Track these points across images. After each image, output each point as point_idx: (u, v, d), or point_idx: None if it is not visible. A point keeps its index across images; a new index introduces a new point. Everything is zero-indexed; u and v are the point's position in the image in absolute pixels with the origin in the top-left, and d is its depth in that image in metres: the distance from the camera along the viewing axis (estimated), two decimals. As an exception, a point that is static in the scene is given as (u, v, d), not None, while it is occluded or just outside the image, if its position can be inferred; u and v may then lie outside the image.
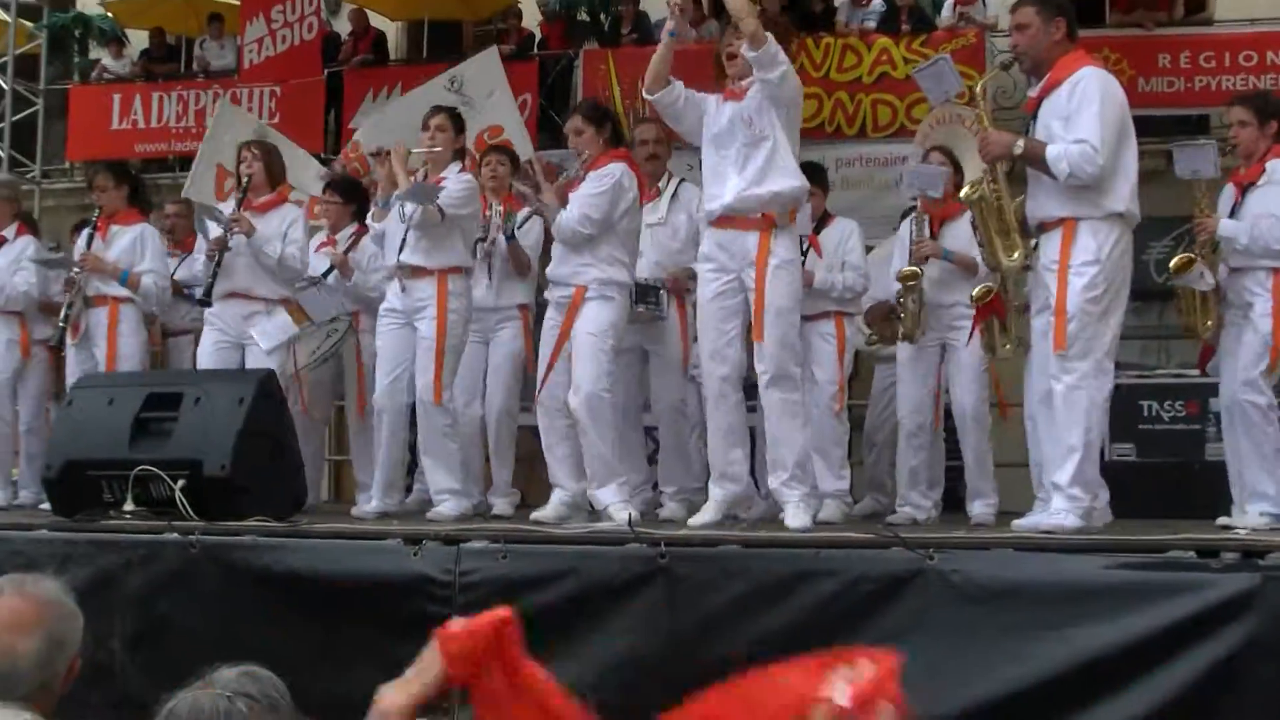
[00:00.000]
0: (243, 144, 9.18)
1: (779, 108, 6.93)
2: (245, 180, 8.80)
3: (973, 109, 7.95)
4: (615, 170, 7.65)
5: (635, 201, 7.79)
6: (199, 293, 8.74)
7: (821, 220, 8.65)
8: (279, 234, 8.62)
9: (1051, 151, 6.24)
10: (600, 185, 7.60)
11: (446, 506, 7.87)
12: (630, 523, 6.39)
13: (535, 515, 7.43)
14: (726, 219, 7.01)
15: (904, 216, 8.88)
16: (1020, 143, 6.44)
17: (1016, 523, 6.52)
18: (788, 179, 6.97)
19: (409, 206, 8.01)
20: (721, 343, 7.01)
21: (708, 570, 5.64)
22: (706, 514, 7.00)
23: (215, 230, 8.53)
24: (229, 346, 8.61)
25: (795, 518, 6.74)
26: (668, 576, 5.63)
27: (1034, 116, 6.54)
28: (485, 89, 12.72)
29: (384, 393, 8.28)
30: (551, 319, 7.70)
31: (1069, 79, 6.35)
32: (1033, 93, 6.66)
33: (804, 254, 8.36)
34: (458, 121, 8.42)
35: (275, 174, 8.94)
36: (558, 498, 7.65)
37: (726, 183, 6.98)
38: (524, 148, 11.69)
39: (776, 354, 6.88)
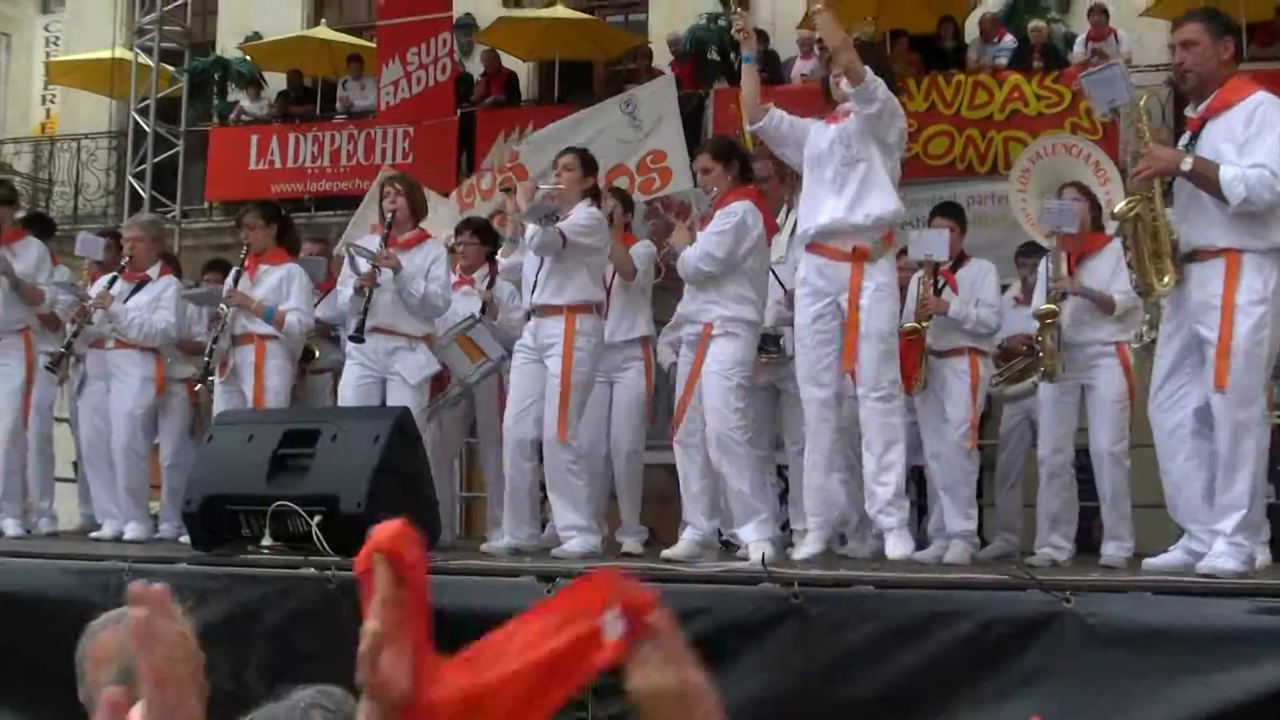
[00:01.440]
0: (385, 180, 9.25)
1: (877, 140, 6.96)
2: (390, 216, 8.80)
3: (1085, 135, 7.85)
4: (739, 209, 7.67)
5: (761, 240, 7.79)
6: (348, 329, 8.75)
7: (958, 260, 8.61)
8: (422, 271, 8.65)
9: (1227, 173, 5.92)
10: (725, 224, 7.62)
11: (573, 544, 7.86)
12: (764, 562, 6.37)
13: (666, 553, 7.45)
14: (821, 243, 7.04)
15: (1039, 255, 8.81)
16: (1189, 160, 6.08)
17: (1149, 563, 6.41)
18: (884, 203, 7.01)
19: (533, 235, 8.05)
20: (819, 367, 7.06)
21: (841, 610, 5.59)
22: (810, 546, 7.00)
23: (365, 266, 8.60)
24: (372, 381, 8.65)
25: (896, 548, 6.72)
26: (801, 617, 5.59)
27: (1194, 137, 6.24)
28: (656, 114, 12.78)
29: (511, 427, 8.32)
30: (685, 356, 7.74)
31: (1242, 102, 6.08)
32: (1192, 112, 6.40)
33: (938, 289, 8.34)
34: (587, 163, 8.44)
35: (418, 210, 8.98)
36: (690, 535, 7.65)
37: (823, 205, 7.04)
38: (683, 178, 11.78)
39: (875, 373, 6.90)
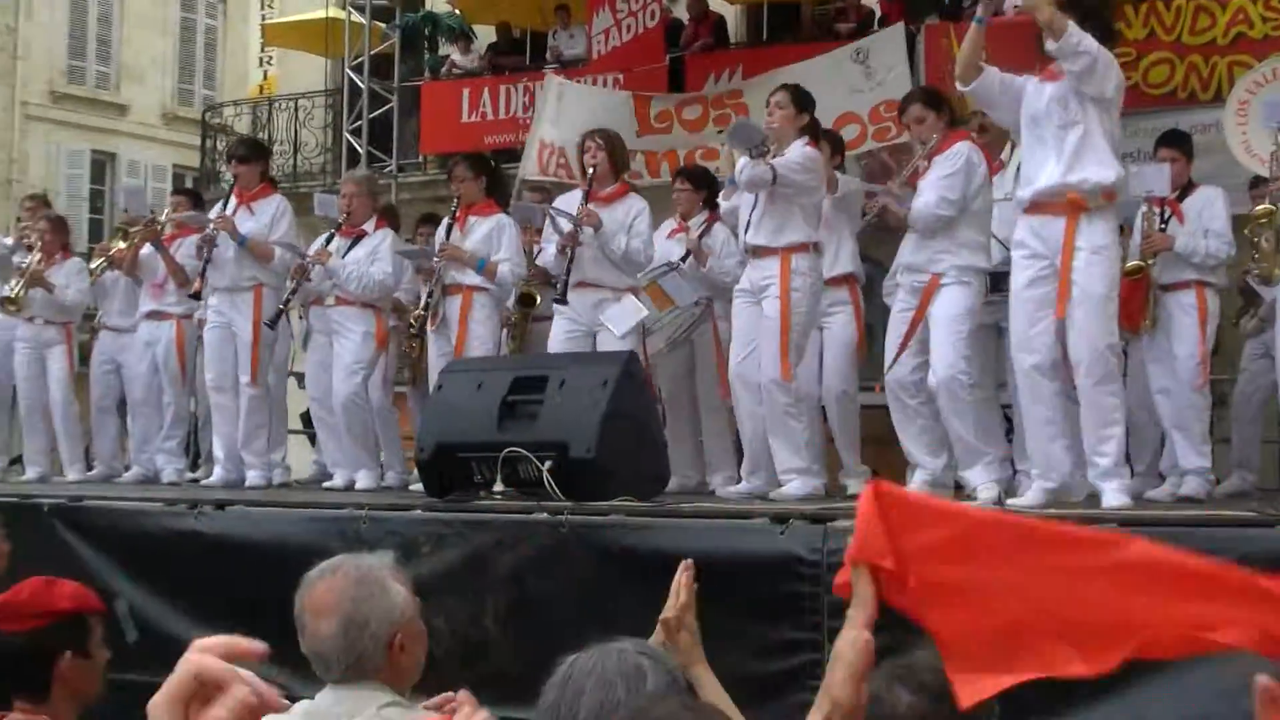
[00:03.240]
0: (586, 134, 9.22)
1: (1093, 98, 6.73)
2: (591, 171, 8.82)
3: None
4: (963, 149, 7.59)
5: (986, 178, 7.69)
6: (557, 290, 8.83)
7: (1185, 188, 8.37)
8: (624, 226, 8.67)
9: None
10: (953, 165, 7.54)
11: (793, 486, 7.83)
12: (998, 502, 6.30)
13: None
14: (1039, 204, 6.85)
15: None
16: None
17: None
18: (1103, 169, 6.74)
19: (742, 169, 7.98)
20: (1032, 331, 6.84)
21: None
22: (1028, 496, 6.88)
23: (567, 225, 8.62)
24: (580, 335, 8.71)
25: (1114, 497, 6.55)
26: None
27: None
28: (888, 64, 12.70)
29: (736, 371, 8.31)
30: (903, 302, 7.66)
31: None
32: None
33: (1164, 221, 8.14)
34: (801, 100, 8.33)
35: (619, 164, 8.97)
36: (919, 477, 7.60)
37: (1043, 168, 6.81)
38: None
39: (1090, 343, 6.67)
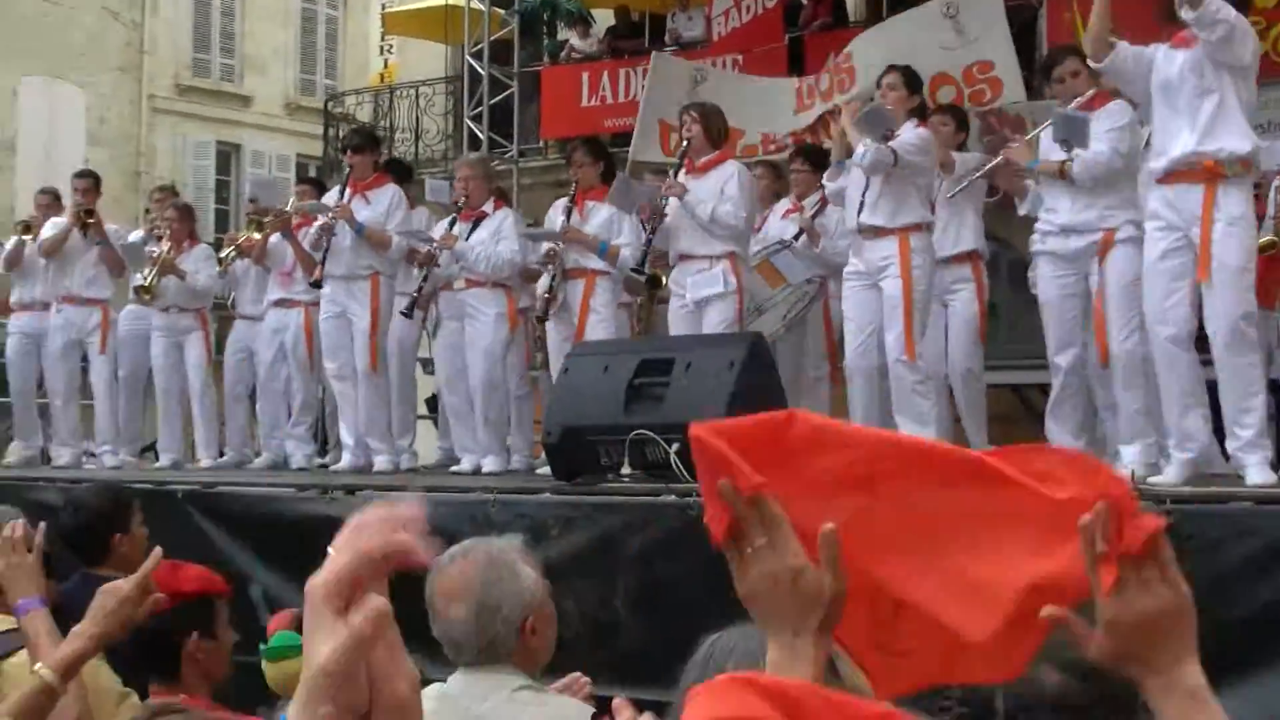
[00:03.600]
0: (683, 108, 9.32)
1: (1229, 66, 6.57)
2: (685, 144, 8.92)
3: None
4: (1126, 106, 7.54)
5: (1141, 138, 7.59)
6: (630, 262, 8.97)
7: (1325, 158, 8.20)
8: (714, 193, 8.67)
9: None
10: (1120, 119, 7.50)
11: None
12: (1133, 480, 6.19)
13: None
14: (1173, 174, 6.71)
15: None
16: None
17: None
18: (1239, 139, 6.60)
19: (864, 153, 7.97)
20: (1167, 304, 6.72)
21: (1217, 529, 5.41)
22: (1169, 474, 6.74)
23: (647, 195, 8.72)
24: (689, 310, 8.77)
25: (1257, 475, 6.40)
26: (1174, 535, 5.42)
27: None
28: (981, 21, 12.27)
29: (855, 355, 8.30)
30: (1064, 273, 7.60)
31: None
32: None
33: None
34: (911, 81, 8.34)
35: (715, 135, 9.00)
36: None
37: (1177, 138, 6.67)
38: (1015, 88, 11.60)
39: (1227, 313, 6.53)
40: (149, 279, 10.88)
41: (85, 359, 11.57)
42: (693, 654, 2.83)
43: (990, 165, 8.30)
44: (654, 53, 14.95)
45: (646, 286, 9.09)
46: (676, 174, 8.79)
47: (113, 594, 3.58)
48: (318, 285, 10.04)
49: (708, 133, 8.90)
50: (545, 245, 9.60)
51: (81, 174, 12.04)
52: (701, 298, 8.64)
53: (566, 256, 9.36)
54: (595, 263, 9.28)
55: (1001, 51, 12.14)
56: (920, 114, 8.29)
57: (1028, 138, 8.11)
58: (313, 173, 21.18)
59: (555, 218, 9.56)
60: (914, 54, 9.01)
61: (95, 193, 11.49)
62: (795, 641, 1.80)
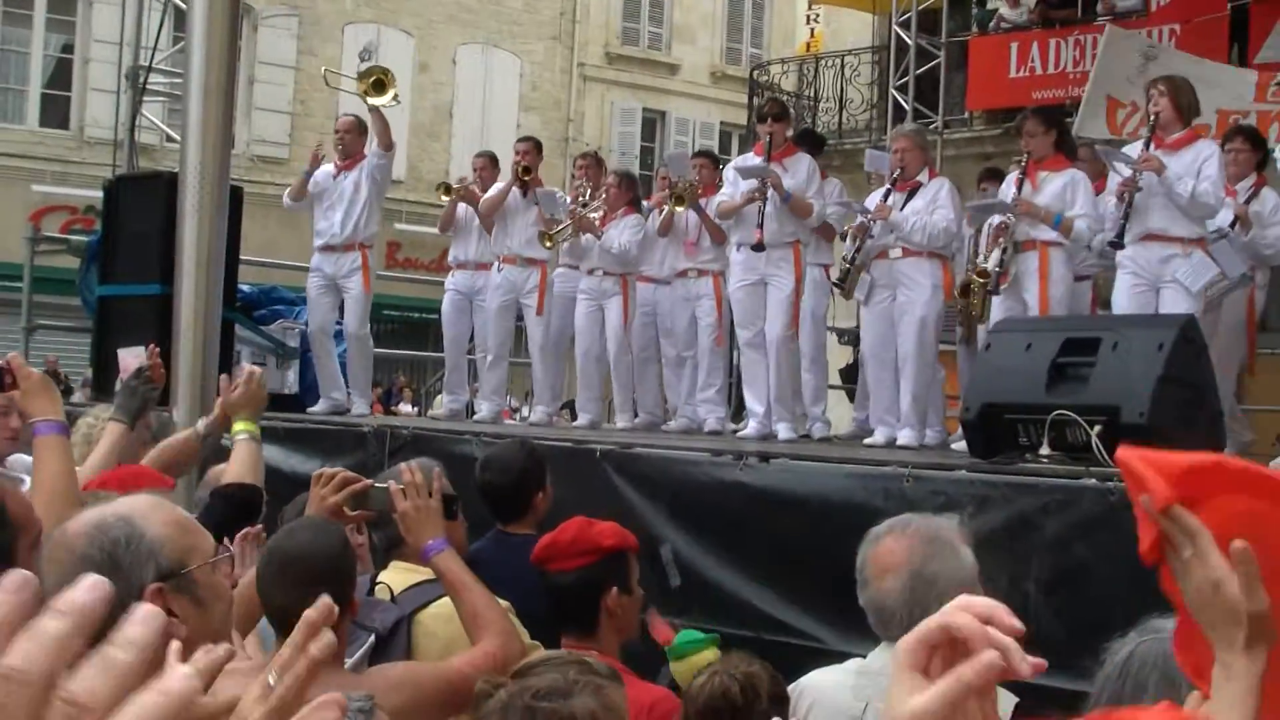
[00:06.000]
0: (1150, 82, 9.05)
1: None
2: (1152, 120, 8.65)
3: None
4: None
5: None
6: (1109, 235, 8.67)
7: None
8: (1191, 171, 8.39)
9: None
10: None
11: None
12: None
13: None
14: None
15: None
16: None
17: None
18: None
19: None
20: None
21: None
22: None
23: (1126, 171, 8.44)
24: (1145, 289, 8.52)
25: None
26: None
27: None
28: None
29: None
30: None
31: None
32: None
33: None
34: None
35: (1184, 110, 8.70)
36: None
37: None
38: None
39: None
40: (558, 231, 11.16)
41: (519, 318, 11.92)
42: (1105, 648, 2.71)
43: None
44: (1108, 25, 14.46)
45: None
46: (1147, 148, 8.53)
47: None
48: (759, 248, 10.08)
49: (1177, 108, 8.64)
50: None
51: (524, 138, 12.52)
52: (1199, 289, 8.37)
53: (1017, 229, 9.19)
54: (1047, 233, 9.10)
55: None
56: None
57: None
58: (735, 141, 21.37)
59: (1006, 190, 9.40)
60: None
61: (536, 154, 11.84)
62: (1226, 657, 1.78)
